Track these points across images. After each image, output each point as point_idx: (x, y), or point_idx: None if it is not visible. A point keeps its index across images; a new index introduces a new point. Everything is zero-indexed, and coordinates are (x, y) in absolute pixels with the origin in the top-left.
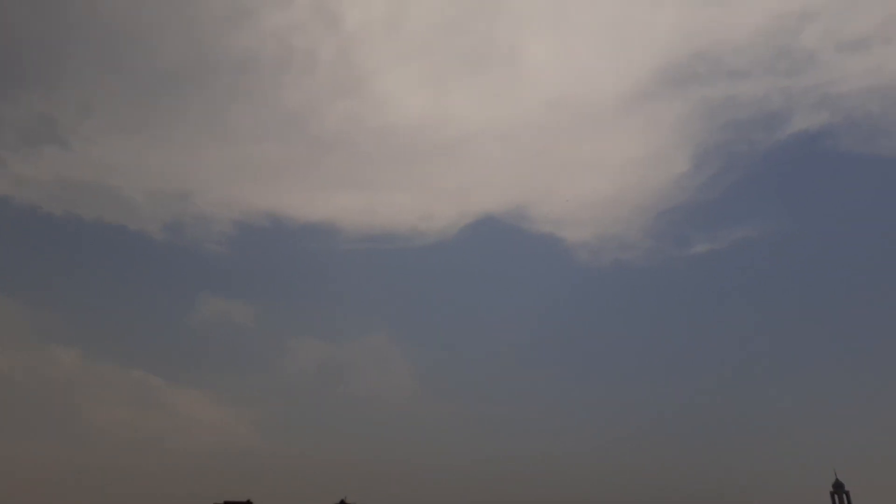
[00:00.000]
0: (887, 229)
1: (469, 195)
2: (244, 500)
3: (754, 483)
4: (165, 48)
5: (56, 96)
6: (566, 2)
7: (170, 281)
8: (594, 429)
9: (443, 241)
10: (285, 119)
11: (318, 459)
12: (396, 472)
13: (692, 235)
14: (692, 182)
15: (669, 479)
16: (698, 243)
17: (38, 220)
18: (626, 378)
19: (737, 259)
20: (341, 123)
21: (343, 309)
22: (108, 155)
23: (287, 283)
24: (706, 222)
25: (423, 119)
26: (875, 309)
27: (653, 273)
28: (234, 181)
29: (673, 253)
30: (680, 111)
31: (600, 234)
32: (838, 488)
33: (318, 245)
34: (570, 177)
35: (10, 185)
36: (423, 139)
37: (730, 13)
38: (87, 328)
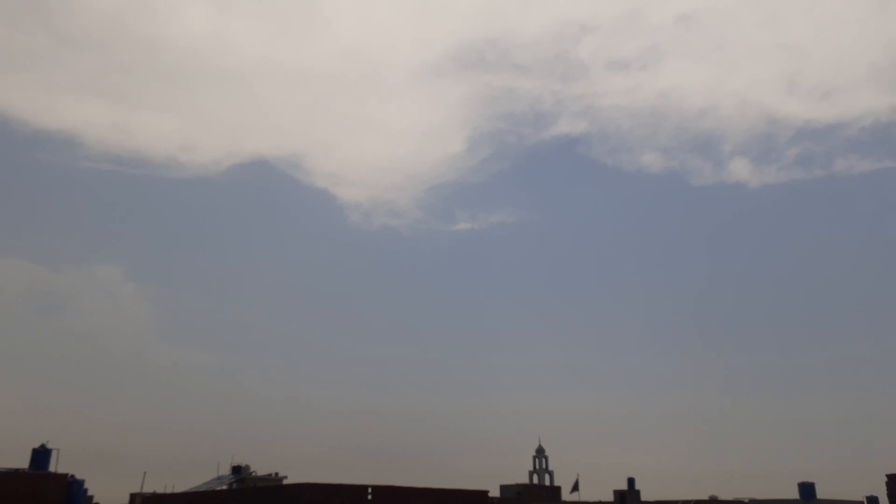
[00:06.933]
0: (616, 233)
1: (242, 133)
2: None
3: (468, 444)
4: None
5: None
6: None
7: None
8: (335, 377)
9: (205, 177)
10: (27, 2)
11: (17, 399)
12: (114, 420)
13: (457, 213)
14: (464, 163)
15: (398, 432)
16: (461, 221)
17: None
18: (374, 336)
19: (491, 240)
20: (99, 23)
21: (70, 233)
22: None
23: (4, 195)
24: (470, 202)
25: (200, 39)
26: (588, 294)
27: (417, 242)
28: None
29: (438, 226)
30: (464, 93)
31: (373, 197)
32: (540, 452)
33: (52, 156)
34: (351, 134)
35: None
36: (197, 61)
37: (523, 7)
38: None
